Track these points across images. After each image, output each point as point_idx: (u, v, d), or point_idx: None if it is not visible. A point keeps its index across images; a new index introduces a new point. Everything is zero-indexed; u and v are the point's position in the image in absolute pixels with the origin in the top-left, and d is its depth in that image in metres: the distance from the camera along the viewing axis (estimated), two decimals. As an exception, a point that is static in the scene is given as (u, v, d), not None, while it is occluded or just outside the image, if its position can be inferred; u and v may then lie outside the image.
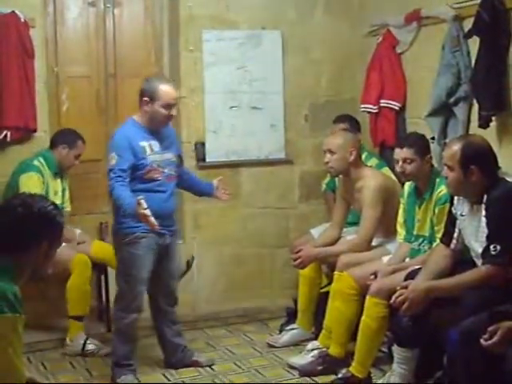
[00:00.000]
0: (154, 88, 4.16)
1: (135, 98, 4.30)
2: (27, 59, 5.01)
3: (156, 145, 4.22)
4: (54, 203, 2.74)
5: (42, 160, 4.89)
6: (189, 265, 5.00)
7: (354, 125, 5.23)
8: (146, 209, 3.87)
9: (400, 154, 4.14)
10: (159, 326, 4.49)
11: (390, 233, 4.47)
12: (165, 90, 4.17)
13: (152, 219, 3.90)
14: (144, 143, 4.18)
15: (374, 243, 4.55)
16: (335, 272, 4.44)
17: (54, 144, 4.98)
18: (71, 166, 5.03)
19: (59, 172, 5.01)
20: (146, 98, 4.17)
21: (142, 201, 3.87)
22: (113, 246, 4.43)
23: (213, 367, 4.53)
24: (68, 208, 5.10)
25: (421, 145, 4.14)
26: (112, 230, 4.42)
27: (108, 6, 5.52)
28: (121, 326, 4.30)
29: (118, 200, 4.07)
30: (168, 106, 4.17)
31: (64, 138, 4.98)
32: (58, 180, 5.02)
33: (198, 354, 4.62)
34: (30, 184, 4.63)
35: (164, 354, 4.56)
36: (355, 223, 4.72)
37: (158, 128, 4.25)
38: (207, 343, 4.97)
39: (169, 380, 4.37)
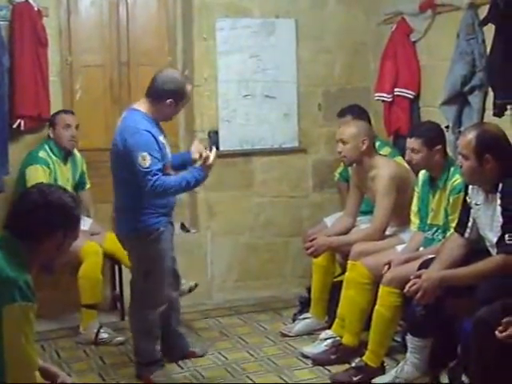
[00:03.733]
0: (182, 90, 3.99)
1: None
2: (40, 48, 5.02)
3: (164, 138, 4.07)
4: (72, 196, 2.74)
5: (47, 148, 4.92)
6: (190, 290, 4.95)
7: (358, 115, 5.11)
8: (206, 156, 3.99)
9: (409, 143, 4.15)
10: (164, 316, 4.24)
11: (403, 222, 4.45)
12: (188, 89, 4.07)
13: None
14: (161, 138, 4.01)
15: (387, 232, 4.54)
16: (349, 261, 4.43)
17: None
18: (70, 142, 4.94)
19: (66, 156, 5.01)
20: (170, 100, 3.95)
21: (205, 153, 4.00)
22: (129, 246, 4.20)
23: (226, 356, 4.53)
24: (88, 185, 5.24)
25: (430, 136, 4.11)
26: (128, 230, 4.11)
27: (121, -6, 5.52)
28: (146, 324, 4.13)
29: (181, 185, 3.91)
30: (186, 104, 4.16)
31: (49, 121, 4.99)
32: (68, 165, 5.04)
33: (193, 344, 4.56)
34: (36, 176, 4.60)
35: (162, 346, 4.25)
36: (369, 212, 4.71)
37: (164, 121, 4.15)
38: (220, 332, 4.97)
39: (182, 369, 4.36)
